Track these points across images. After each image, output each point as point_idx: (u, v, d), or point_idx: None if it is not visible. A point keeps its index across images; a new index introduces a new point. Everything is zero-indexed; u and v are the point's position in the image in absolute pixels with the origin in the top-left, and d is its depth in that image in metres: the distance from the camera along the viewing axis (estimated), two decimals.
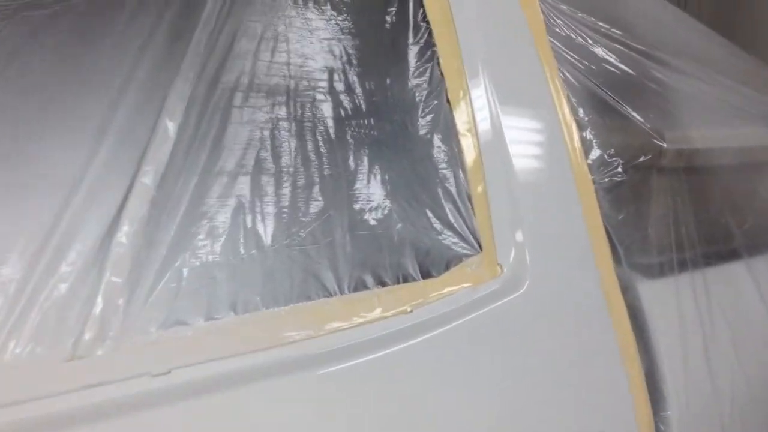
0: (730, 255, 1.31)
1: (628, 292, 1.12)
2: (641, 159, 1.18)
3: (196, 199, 0.80)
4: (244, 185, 0.84)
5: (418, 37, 1.03)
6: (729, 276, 1.29)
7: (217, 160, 0.83)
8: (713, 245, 1.28)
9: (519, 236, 1.02)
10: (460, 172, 1.01)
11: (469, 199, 1.00)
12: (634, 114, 1.19)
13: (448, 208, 0.99)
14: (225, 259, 0.80)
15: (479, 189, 1.01)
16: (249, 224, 0.83)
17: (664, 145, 1.19)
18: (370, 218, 0.94)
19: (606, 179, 1.13)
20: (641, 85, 1.23)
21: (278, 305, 0.82)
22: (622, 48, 1.23)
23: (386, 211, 0.95)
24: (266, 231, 0.84)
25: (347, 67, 0.98)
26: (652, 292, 1.16)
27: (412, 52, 1.03)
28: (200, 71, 0.83)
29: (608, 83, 1.19)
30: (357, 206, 0.93)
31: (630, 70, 1.22)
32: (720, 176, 1.32)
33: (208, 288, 0.78)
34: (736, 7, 3.26)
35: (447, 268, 0.97)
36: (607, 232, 1.11)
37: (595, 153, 1.14)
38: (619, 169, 1.15)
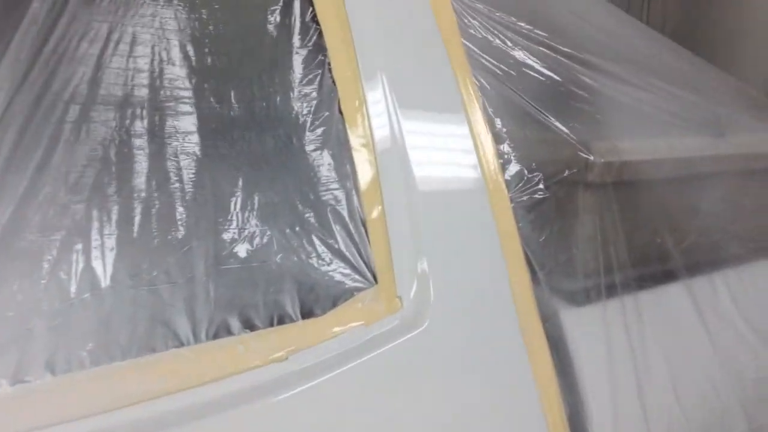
0: (666, 276, 1.19)
1: (549, 321, 1.00)
2: (565, 174, 1.07)
3: (10, 234, 0.66)
4: (78, 215, 0.71)
5: (307, 39, 0.90)
6: (666, 299, 1.18)
7: (40, 186, 0.69)
8: (647, 266, 1.17)
9: (422, 265, 0.90)
10: (354, 192, 0.88)
11: (364, 224, 0.88)
12: (558, 124, 1.07)
13: (338, 234, 0.87)
14: (46, 307, 0.67)
15: (376, 212, 0.89)
16: (82, 262, 0.70)
17: (591, 158, 1.08)
18: (242, 249, 0.81)
19: (525, 197, 1.02)
20: (567, 92, 1.11)
21: (112, 361, 0.68)
22: (546, 51, 1.11)
23: (263, 241, 0.82)
24: (106, 270, 0.71)
25: (219, 74, 0.85)
26: (577, 321, 1.04)
27: (299, 57, 0.90)
28: (20, 81, 0.69)
29: (529, 90, 1.07)
30: (226, 236, 0.80)
31: (554, 76, 1.11)
32: (655, 191, 1.20)
33: (18, 344, 0.64)
34: (701, 11, 3.17)
35: (335, 305, 0.84)
36: (526, 256, 1.00)
37: (514, 168, 1.02)
38: (541, 186, 1.03)
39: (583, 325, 1.05)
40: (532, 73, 1.09)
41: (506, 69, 1.06)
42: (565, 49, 1.14)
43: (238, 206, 0.82)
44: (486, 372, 0.92)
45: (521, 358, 0.95)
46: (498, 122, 1.03)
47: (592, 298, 1.08)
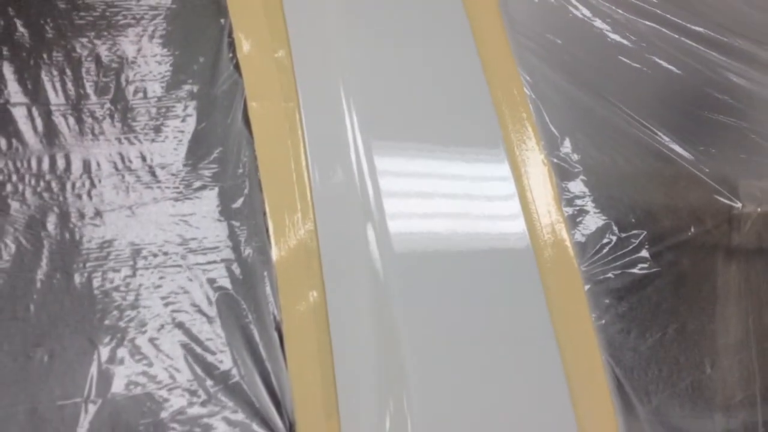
0: None
1: None
2: (690, 233, 0.62)
3: None
4: None
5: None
6: None
7: None
8: None
9: (397, 409, 0.49)
10: (266, 282, 0.49)
11: (279, 333, 0.48)
12: (678, 148, 0.63)
13: (236, 354, 0.48)
14: None
15: (302, 308, 0.49)
16: None
17: (738, 205, 0.62)
18: None
19: (613, 272, 0.58)
20: (697, 98, 0.67)
21: None
22: (660, 29, 0.68)
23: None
24: None
25: None
26: None
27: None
28: None
29: (627, 93, 0.64)
30: None
31: (675, 69, 0.66)
32: None
33: None
34: None
35: None
36: (615, 379, 0.56)
37: (593, 221, 0.59)
38: (644, 253, 0.59)
39: None
40: (631, 62, 0.65)
41: (583, 58, 0.63)
42: (696, 28, 0.69)
43: None
44: None
45: None
46: (566, 142, 0.60)
47: None
